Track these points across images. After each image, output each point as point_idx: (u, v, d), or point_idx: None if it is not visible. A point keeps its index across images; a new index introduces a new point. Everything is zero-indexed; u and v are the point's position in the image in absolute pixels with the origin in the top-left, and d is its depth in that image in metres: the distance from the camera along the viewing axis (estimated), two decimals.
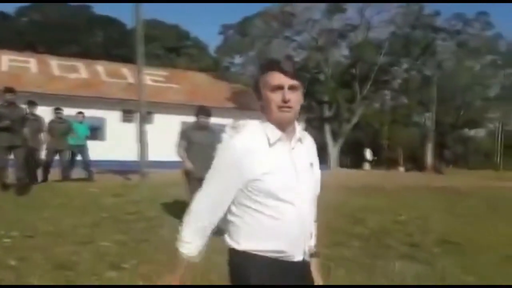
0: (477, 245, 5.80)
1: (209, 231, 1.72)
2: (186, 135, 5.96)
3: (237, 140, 1.65)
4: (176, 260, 1.74)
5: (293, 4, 25.48)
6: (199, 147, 5.72)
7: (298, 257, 1.71)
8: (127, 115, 18.09)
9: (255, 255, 1.66)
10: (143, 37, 11.32)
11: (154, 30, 36.06)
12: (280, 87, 1.63)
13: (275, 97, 1.64)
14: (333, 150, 27.33)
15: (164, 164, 11.51)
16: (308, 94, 23.33)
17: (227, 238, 1.74)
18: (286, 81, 1.63)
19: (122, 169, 12.47)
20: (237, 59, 32.08)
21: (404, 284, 4.15)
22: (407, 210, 8.26)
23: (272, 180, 1.62)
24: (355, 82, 27.65)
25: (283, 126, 1.68)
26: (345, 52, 29.97)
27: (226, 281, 1.77)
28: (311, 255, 1.83)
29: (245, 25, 28.85)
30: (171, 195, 7.85)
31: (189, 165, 5.76)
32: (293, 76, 1.65)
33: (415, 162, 30.21)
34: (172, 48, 37.67)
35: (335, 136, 27.41)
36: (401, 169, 29.03)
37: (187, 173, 5.80)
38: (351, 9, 26.20)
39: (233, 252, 1.72)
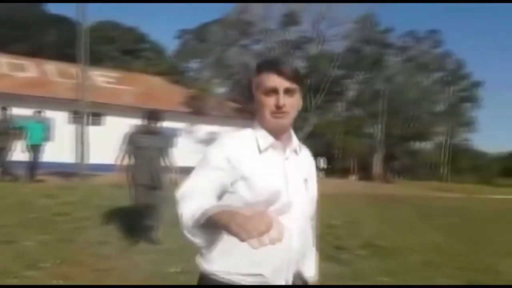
0: (400, 248, 6.09)
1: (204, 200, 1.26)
2: (132, 139, 5.47)
3: (228, 141, 1.48)
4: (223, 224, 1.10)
5: (251, 11, 25.72)
6: (147, 152, 5.41)
7: (280, 282, 1.46)
8: (75, 116, 17.66)
9: (228, 280, 1.42)
10: (82, 35, 11.09)
11: (111, 32, 35.46)
12: (274, 90, 1.44)
13: (269, 102, 1.45)
14: None
15: (115, 167, 11.28)
16: None
17: (198, 258, 1.50)
18: (281, 83, 1.44)
19: (67, 170, 12.16)
20: (193, 64, 32.06)
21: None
22: (343, 215, 8.49)
23: (255, 191, 1.39)
24: (309, 92, 28.20)
25: (277, 133, 1.50)
26: (300, 63, 30.53)
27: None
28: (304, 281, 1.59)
29: (203, 31, 28.89)
30: (107, 197, 7.73)
31: (123, 174, 5.50)
32: (289, 77, 1.45)
33: (366, 172, 31.05)
34: (128, 51, 37.05)
35: None
36: (353, 178, 29.77)
37: (131, 179, 5.49)
38: (306, 22, 26.78)
39: (202, 277, 1.47)
